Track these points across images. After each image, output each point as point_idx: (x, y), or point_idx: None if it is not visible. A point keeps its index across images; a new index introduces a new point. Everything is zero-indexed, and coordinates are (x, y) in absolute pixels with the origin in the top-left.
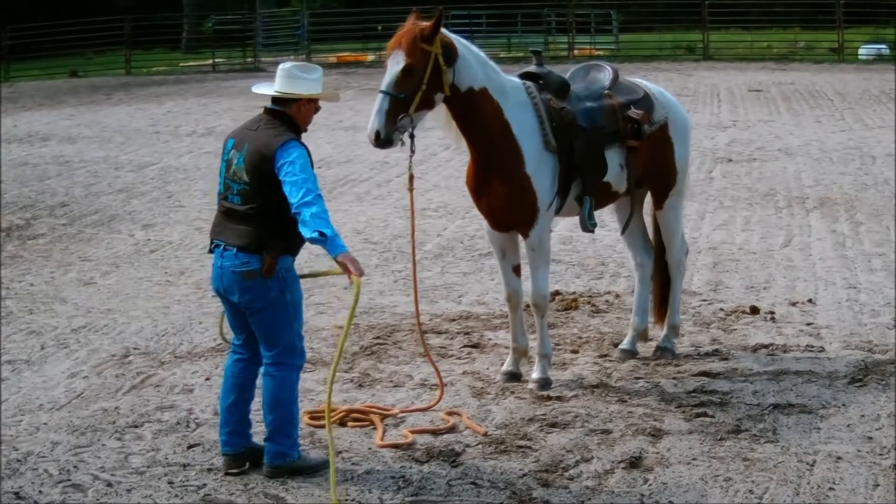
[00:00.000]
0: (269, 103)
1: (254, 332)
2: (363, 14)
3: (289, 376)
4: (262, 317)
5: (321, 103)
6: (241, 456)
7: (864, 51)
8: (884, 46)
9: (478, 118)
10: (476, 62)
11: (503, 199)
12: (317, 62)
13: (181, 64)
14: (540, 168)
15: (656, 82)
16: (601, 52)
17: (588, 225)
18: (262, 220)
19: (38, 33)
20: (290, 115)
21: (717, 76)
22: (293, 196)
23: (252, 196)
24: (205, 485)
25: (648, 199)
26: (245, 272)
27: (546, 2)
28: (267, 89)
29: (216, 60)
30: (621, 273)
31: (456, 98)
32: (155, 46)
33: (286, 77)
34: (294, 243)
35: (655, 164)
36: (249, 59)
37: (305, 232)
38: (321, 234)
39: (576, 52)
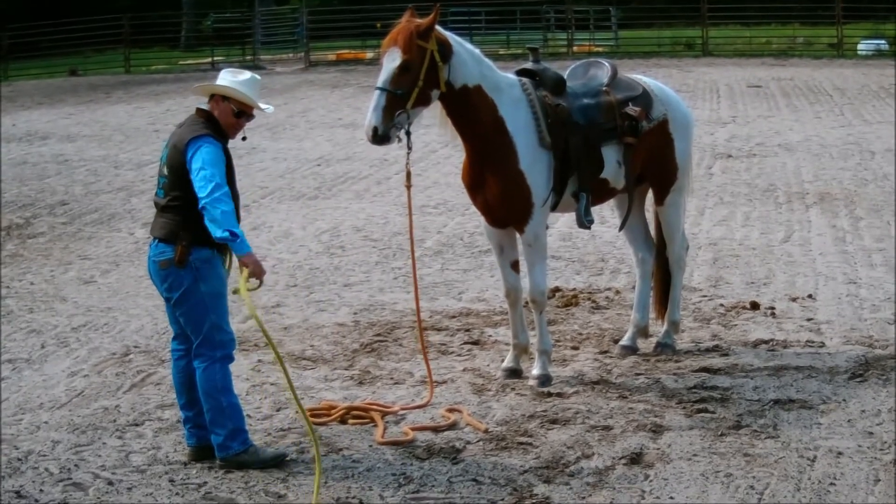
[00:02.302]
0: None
1: None
2: (362, 11)
3: (210, 368)
4: (181, 307)
5: (256, 112)
6: (206, 448)
7: (864, 46)
8: (883, 42)
9: (472, 115)
10: (471, 59)
11: (498, 194)
12: (316, 60)
13: (180, 62)
14: (534, 164)
15: (655, 79)
16: (600, 49)
17: (584, 221)
18: (177, 212)
19: (36, 32)
20: (212, 114)
21: (717, 72)
22: (200, 191)
23: (170, 189)
24: (205, 483)
25: (650, 195)
26: (161, 261)
27: None
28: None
29: (215, 58)
30: (621, 269)
31: (450, 95)
32: (154, 45)
33: (217, 78)
34: (209, 236)
35: (656, 161)
36: (249, 57)
37: (215, 230)
38: (232, 233)
39: (575, 48)
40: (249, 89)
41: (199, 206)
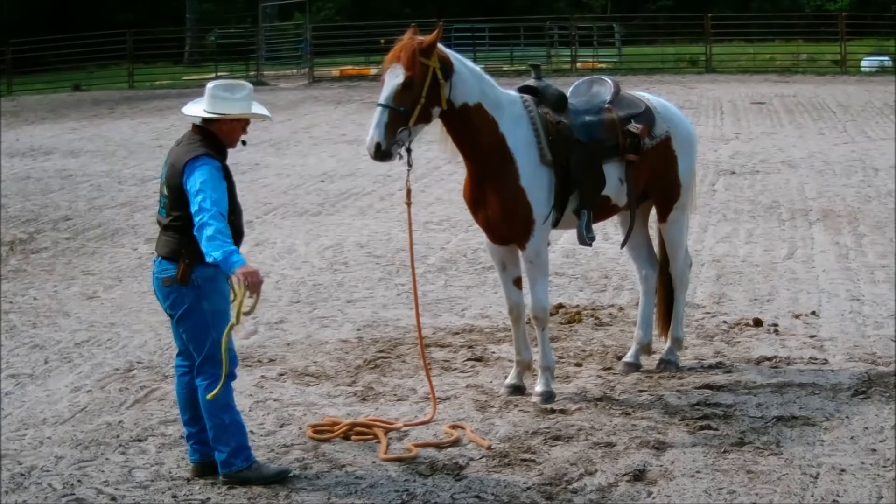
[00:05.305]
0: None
1: None
2: (366, 28)
3: (212, 386)
4: (184, 324)
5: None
6: (209, 464)
7: (867, 62)
8: (886, 58)
9: (472, 133)
10: (471, 77)
11: (499, 211)
12: (319, 76)
13: (184, 78)
14: (535, 181)
15: (659, 95)
16: (604, 65)
17: (586, 238)
18: (179, 231)
19: (40, 47)
20: (213, 133)
21: (720, 89)
22: (194, 217)
23: (170, 208)
24: (209, 499)
25: (653, 212)
26: (164, 278)
27: (548, 15)
28: (195, 107)
29: (219, 74)
30: (624, 286)
31: (451, 113)
32: (158, 60)
33: (211, 98)
34: None
35: (659, 178)
36: (252, 73)
37: (206, 257)
38: (214, 258)
39: (578, 64)
40: (251, 101)
41: (194, 231)
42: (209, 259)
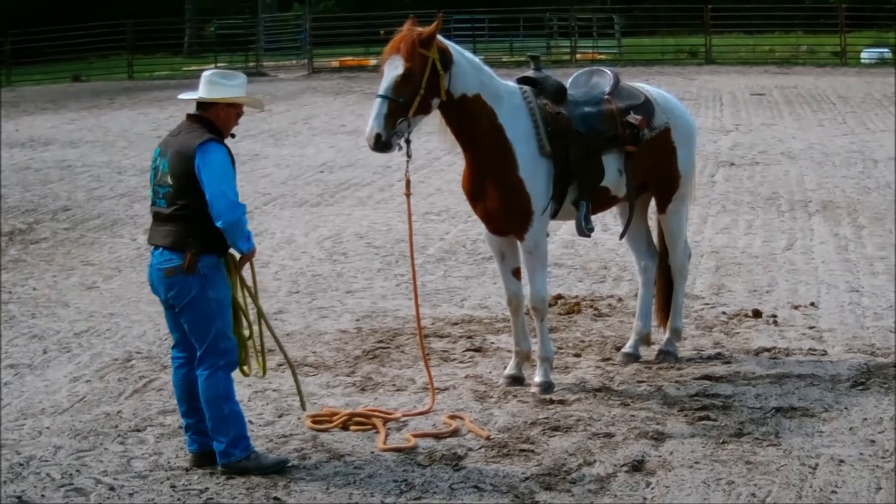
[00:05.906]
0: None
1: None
2: (365, 18)
3: (213, 376)
4: (187, 314)
5: (246, 110)
6: (208, 454)
7: (867, 54)
8: (886, 50)
9: (471, 124)
10: (470, 68)
11: (497, 203)
12: (319, 66)
13: (184, 68)
14: (534, 172)
15: (658, 86)
16: (603, 56)
17: (584, 229)
18: (184, 220)
19: (40, 38)
20: (210, 120)
21: (720, 80)
22: (212, 209)
23: (175, 197)
24: (207, 489)
25: (653, 203)
26: (167, 269)
27: (548, 6)
28: (192, 95)
29: (218, 64)
30: (624, 277)
31: (450, 104)
32: (157, 51)
33: (207, 83)
34: (217, 243)
35: (658, 169)
36: (252, 64)
37: (234, 248)
38: (249, 249)
39: (578, 56)
40: (245, 90)
41: (219, 224)
42: (242, 250)
